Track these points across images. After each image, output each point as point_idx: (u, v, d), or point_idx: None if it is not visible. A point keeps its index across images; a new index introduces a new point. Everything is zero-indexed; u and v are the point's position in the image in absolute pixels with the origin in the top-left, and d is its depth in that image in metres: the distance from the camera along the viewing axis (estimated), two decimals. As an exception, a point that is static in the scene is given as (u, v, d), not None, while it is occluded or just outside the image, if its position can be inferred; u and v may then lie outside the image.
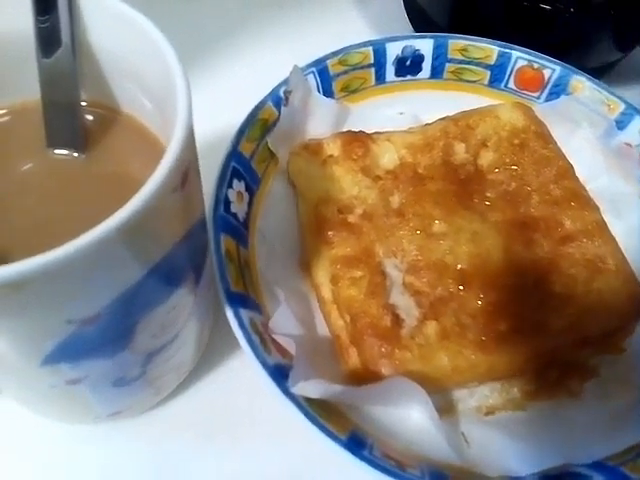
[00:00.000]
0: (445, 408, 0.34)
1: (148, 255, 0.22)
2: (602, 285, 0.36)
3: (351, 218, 0.37)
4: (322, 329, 0.36)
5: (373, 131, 0.41)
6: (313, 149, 0.40)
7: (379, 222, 0.37)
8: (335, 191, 0.38)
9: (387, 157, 0.40)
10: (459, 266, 0.35)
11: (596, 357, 0.36)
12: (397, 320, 0.34)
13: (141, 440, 0.34)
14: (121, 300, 0.22)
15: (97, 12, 0.24)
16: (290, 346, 0.32)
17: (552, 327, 0.34)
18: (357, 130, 0.41)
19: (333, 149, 0.40)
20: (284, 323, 0.33)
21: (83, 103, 0.28)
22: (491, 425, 0.33)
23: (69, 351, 0.23)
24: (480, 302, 0.34)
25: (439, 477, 0.29)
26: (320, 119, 0.42)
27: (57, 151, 0.26)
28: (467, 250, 0.36)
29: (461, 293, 0.35)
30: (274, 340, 0.32)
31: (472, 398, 0.34)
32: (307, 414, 0.29)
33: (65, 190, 0.26)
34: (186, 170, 0.22)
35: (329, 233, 0.36)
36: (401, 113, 0.44)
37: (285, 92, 0.40)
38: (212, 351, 0.35)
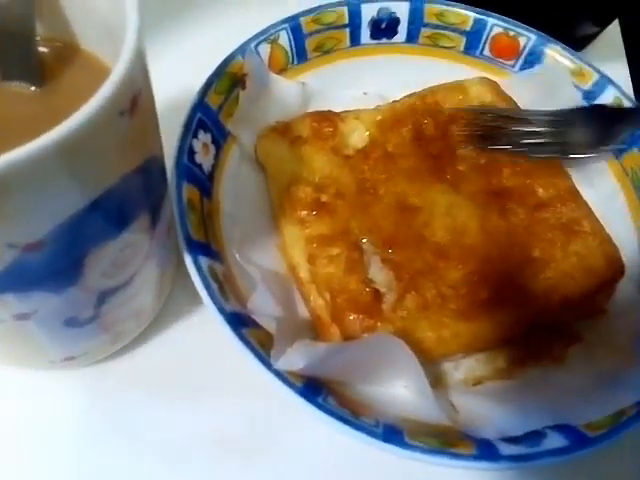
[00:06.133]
0: (431, 382, 0.33)
1: (93, 182, 0.22)
2: (579, 247, 0.36)
3: (324, 197, 0.37)
4: (301, 311, 0.35)
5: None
6: (281, 131, 0.39)
7: (353, 200, 0.37)
8: (306, 171, 0.38)
9: (356, 135, 0.40)
10: (436, 239, 0.35)
11: (579, 321, 0.35)
12: (377, 295, 0.33)
13: (96, 390, 0.33)
14: (65, 228, 0.22)
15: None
16: (271, 326, 0.31)
17: (533, 292, 0.34)
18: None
19: (301, 130, 0.39)
20: (263, 304, 0.32)
21: (39, 38, 0.27)
22: (477, 393, 0.33)
23: (14, 280, 0.23)
24: (459, 273, 0.34)
25: (393, 429, 0.29)
26: (281, 101, 0.41)
27: (12, 83, 0.26)
28: (443, 222, 0.36)
29: (440, 265, 0.34)
30: (234, 290, 0.32)
31: (457, 371, 0.34)
32: (263, 361, 0.29)
33: (17, 123, 0.25)
34: (135, 95, 0.22)
35: (303, 213, 0.36)
36: (365, 93, 0.44)
37: (242, 76, 0.39)
38: (174, 303, 0.35)
